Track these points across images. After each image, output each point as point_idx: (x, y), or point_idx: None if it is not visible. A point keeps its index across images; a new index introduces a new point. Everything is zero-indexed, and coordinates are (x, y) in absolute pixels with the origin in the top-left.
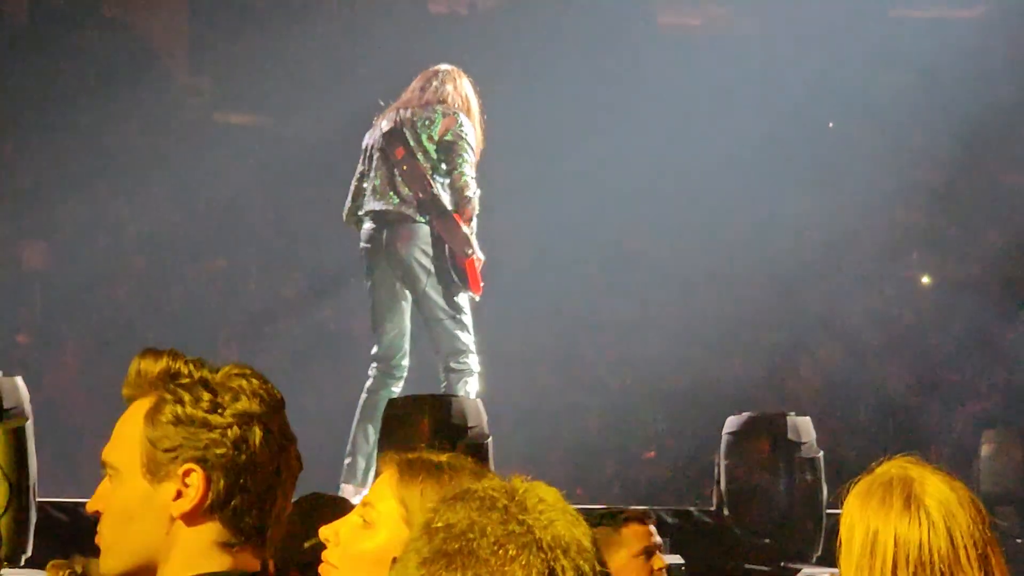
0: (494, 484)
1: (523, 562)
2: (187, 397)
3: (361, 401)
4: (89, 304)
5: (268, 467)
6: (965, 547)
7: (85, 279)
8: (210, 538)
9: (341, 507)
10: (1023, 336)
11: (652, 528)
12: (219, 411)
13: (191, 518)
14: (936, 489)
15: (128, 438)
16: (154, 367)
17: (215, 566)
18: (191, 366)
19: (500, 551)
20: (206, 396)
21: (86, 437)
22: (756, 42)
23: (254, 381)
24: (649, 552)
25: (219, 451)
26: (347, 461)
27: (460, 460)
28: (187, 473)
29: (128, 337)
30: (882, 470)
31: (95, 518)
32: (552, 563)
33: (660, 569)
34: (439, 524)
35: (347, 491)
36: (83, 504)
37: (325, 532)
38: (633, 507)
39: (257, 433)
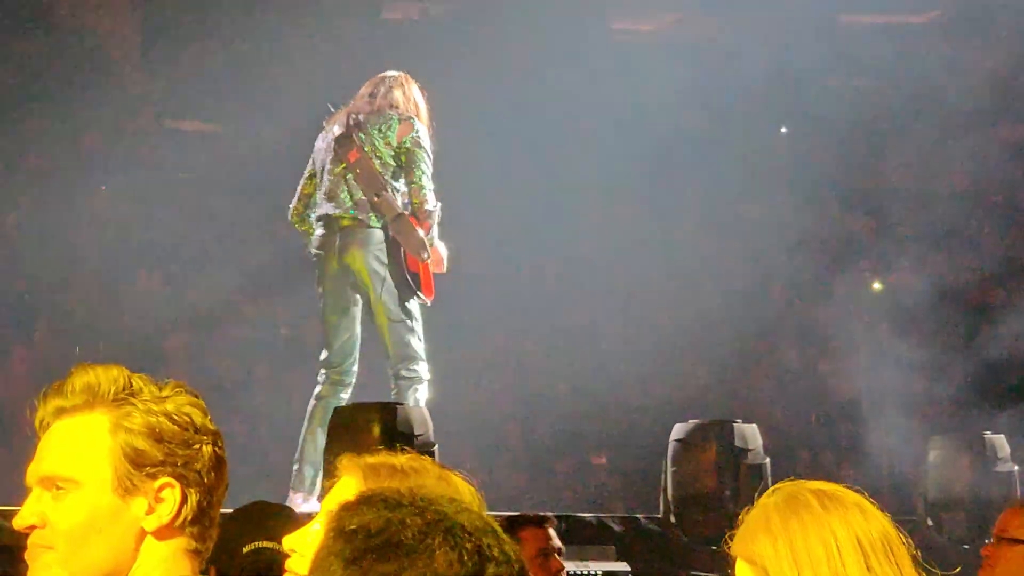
0: (389, 488)
1: (452, 544)
2: (160, 414)
3: (310, 408)
4: (37, 311)
5: (223, 481)
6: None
7: (34, 285)
8: (178, 548)
9: (287, 515)
10: (971, 343)
11: (551, 532)
12: (191, 429)
13: (162, 531)
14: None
15: (90, 452)
16: (108, 381)
17: (181, 571)
18: (144, 382)
19: (427, 539)
20: (177, 414)
21: (31, 446)
22: (708, 47)
23: (196, 398)
24: (546, 554)
25: (197, 467)
26: (295, 468)
27: (421, 462)
28: (162, 488)
29: (77, 344)
30: (762, 502)
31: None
32: (478, 543)
33: (559, 571)
34: (353, 526)
35: (295, 500)
36: None
37: (290, 542)
38: (535, 512)
39: (218, 449)
